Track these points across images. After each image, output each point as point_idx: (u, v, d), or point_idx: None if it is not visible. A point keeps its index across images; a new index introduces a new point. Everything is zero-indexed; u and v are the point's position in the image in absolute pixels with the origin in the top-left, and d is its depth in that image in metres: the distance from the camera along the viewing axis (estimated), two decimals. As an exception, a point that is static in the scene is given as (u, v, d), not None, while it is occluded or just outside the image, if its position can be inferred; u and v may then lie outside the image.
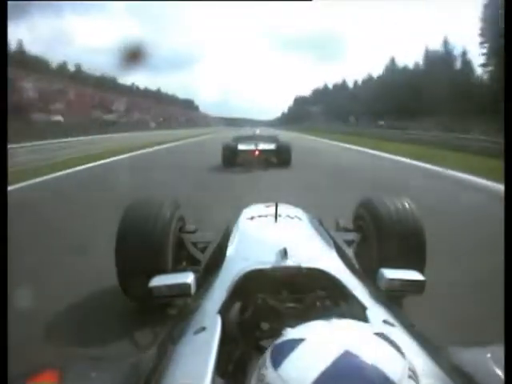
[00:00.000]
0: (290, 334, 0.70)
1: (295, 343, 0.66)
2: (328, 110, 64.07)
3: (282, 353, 0.65)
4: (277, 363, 0.64)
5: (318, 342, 0.66)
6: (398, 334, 1.06)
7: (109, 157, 13.98)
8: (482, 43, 27.37)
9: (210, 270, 1.74)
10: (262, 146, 11.50)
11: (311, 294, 1.30)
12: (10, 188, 7.64)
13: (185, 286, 1.39)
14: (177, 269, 2.48)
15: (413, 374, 0.63)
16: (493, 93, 23.50)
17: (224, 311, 1.21)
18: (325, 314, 1.23)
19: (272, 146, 11.56)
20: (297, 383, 0.60)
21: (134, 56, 13.88)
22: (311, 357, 0.63)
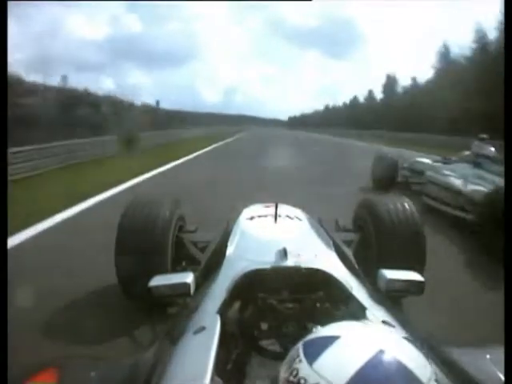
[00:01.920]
0: (323, 331, 0.72)
1: (330, 340, 0.67)
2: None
3: (317, 348, 0.66)
4: (312, 358, 0.65)
5: (354, 340, 0.67)
6: (398, 334, 1.06)
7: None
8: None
9: (209, 269, 1.75)
10: None
11: (311, 294, 1.30)
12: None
13: (184, 286, 1.39)
14: (177, 269, 2.49)
15: (437, 380, 0.65)
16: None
17: (224, 311, 1.21)
18: (324, 314, 1.24)
19: None
20: (333, 379, 0.61)
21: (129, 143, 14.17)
22: (348, 354, 0.64)
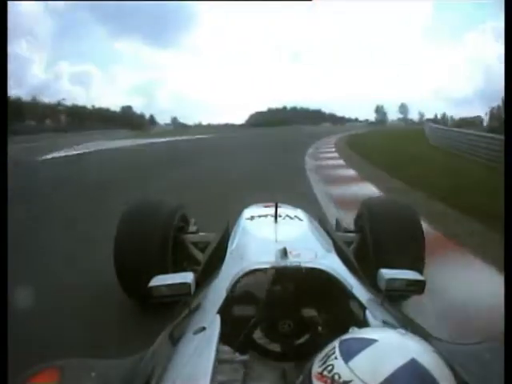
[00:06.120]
0: (360, 333, 0.76)
1: (367, 342, 0.70)
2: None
3: (354, 348, 0.70)
4: (348, 357, 0.68)
5: (390, 345, 0.70)
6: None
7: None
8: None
9: (209, 269, 1.75)
10: None
11: (311, 294, 1.30)
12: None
13: (185, 286, 1.39)
14: (177, 269, 2.49)
15: None
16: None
17: (224, 311, 1.21)
18: (324, 313, 1.24)
19: None
20: (366, 378, 0.64)
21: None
22: (383, 357, 0.67)
